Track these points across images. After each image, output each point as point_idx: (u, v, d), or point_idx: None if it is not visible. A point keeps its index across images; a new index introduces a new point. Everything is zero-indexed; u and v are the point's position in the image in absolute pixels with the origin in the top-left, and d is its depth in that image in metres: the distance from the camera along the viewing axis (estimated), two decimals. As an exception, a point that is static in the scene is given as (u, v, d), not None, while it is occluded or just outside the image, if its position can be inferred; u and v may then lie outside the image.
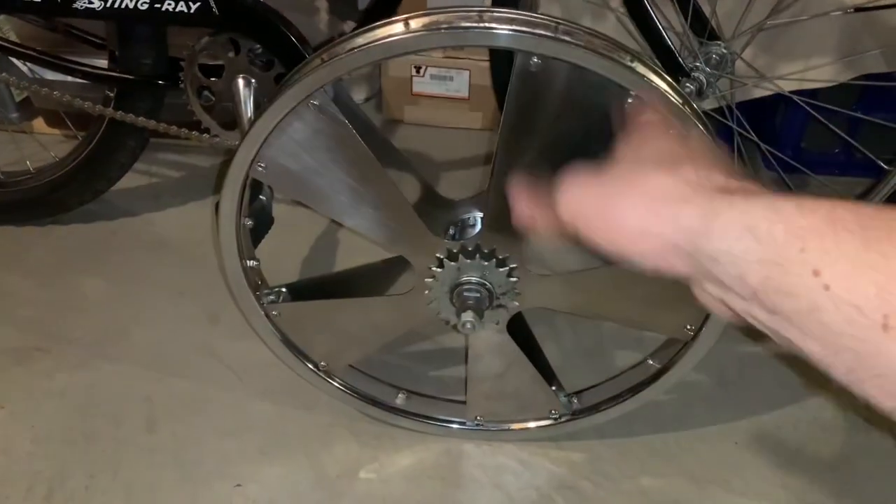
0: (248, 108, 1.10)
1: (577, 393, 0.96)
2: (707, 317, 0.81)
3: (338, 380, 0.96)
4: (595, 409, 0.94)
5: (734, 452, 0.97)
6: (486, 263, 0.80)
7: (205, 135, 1.16)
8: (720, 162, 0.48)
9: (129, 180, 1.34)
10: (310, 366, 0.94)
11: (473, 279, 0.81)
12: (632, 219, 0.45)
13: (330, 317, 0.92)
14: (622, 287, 0.83)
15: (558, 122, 0.71)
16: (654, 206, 0.44)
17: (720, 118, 1.15)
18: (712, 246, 0.40)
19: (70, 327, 1.14)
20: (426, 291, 0.84)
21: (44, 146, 1.40)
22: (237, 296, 0.88)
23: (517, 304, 0.83)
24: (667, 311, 0.83)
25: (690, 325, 0.83)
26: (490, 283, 0.82)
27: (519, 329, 0.90)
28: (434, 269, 0.82)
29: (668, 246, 0.43)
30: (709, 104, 1.13)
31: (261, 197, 0.94)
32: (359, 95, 1.66)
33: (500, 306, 0.83)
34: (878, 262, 0.33)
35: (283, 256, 1.24)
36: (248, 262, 0.86)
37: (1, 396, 1.03)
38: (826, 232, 0.35)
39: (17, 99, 1.55)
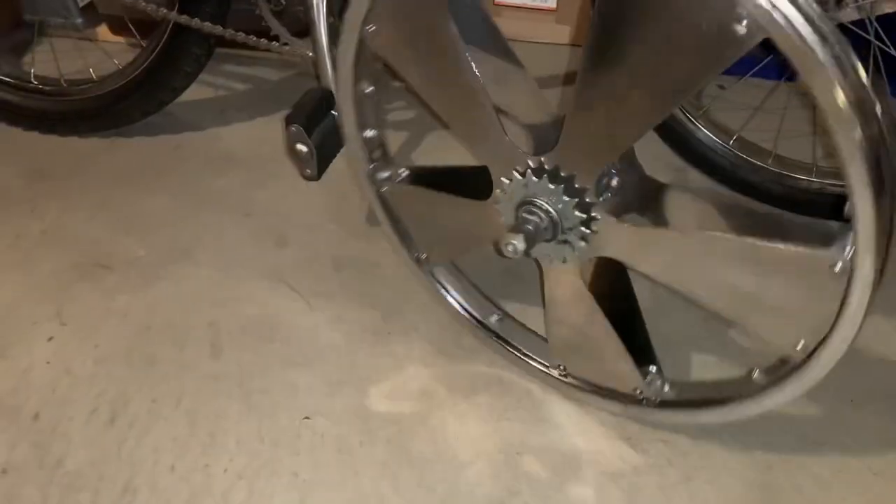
0: (320, 14, 1.01)
1: (674, 383, 0.81)
2: (825, 338, 0.63)
3: (436, 277, 0.90)
4: (687, 405, 0.80)
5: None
6: (552, 187, 0.70)
7: (274, 42, 1.07)
8: None
9: (194, 93, 1.28)
10: (411, 253, 0.89)
11: (539, 202, 0.72)
12: None
13: (432, 209, 0.85)
14: (716, 265, 0.66)
15: (652, 35, 0.58)
16: None
17: (858, 31, 1.00)
18: None
19: (133, 245, 1.09)
20: (496, 204, 0.75)
21: (108, 54, 1.34)
22: (352, 165, 0.84)
23: (584, 244, 0.72)
24: (774, 315, 0.66)
25: (804, 344, 0.65)
26: (555, 212, 0.71)
27: (619, 288, 0.80)
28: (505, 180, 0.73)
29: None
30: (846, 16, 0.98)
31: (333, 112, 0.86)
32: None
33: (565, 242, 0.73)
34: None
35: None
36: (366, 131, 0.81)
37: (65, 313, 0.99)
38: None
39: (81, 4, 1.49)
